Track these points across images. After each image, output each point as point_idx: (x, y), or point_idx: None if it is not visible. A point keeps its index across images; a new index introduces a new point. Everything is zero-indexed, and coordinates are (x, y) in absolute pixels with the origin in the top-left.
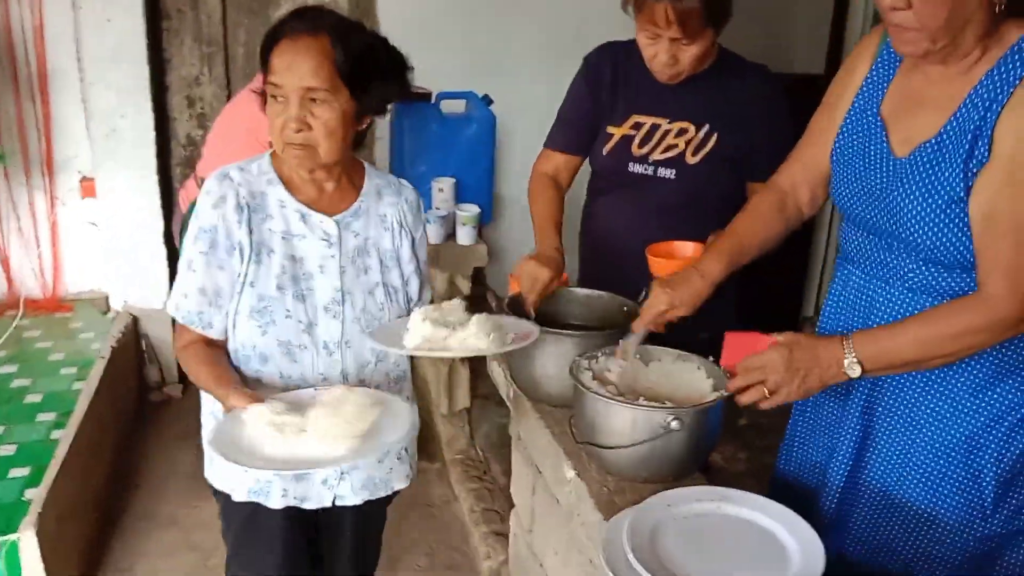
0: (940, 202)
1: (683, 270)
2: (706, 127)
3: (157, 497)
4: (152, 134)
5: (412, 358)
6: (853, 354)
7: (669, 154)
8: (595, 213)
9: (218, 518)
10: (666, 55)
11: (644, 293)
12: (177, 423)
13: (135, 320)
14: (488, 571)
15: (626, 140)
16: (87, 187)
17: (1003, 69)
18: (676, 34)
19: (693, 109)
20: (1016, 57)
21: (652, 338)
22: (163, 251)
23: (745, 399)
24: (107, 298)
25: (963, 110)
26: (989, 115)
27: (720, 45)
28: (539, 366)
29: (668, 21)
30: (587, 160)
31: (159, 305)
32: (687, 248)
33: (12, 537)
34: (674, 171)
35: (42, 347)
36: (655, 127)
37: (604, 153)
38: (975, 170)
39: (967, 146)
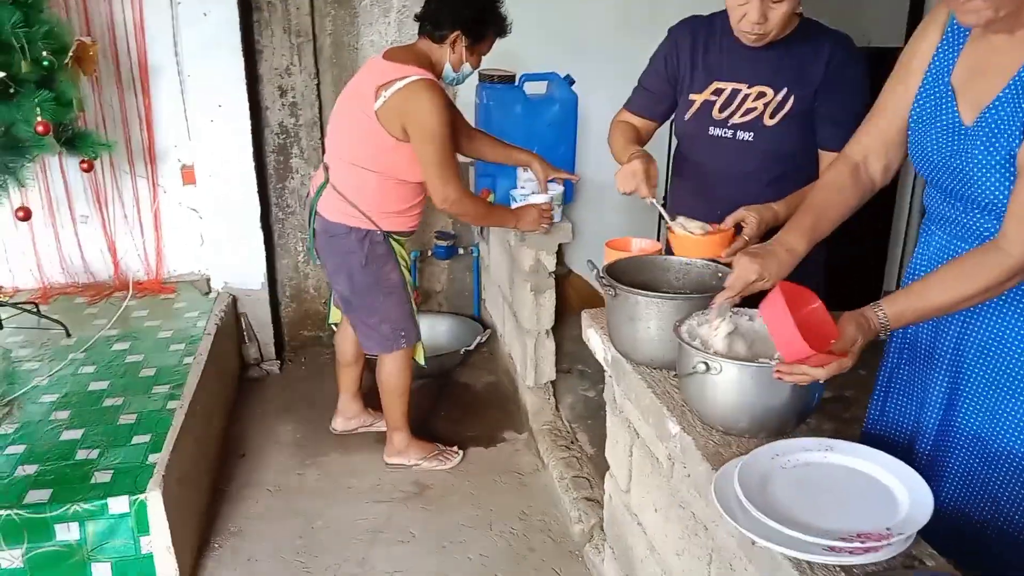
0: (1001, 160)
1: (768, 244)
2: (784, 90)
3: (262, 466)
4: (248, 123)
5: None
6: (884, 316)
7: (748, 117)
8: (679, 177)
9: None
10: (756, 13)
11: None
12: (276, 397)
13: (235, 300)
14: (579, 533)
15: (707, 105)
16: (187, 174)
17: None
18: None
19: (772, 74)
20: None
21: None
22: (260, 235)
23: (826, 375)
24: (208, 280)
25: (1022, 74)
26: None
27: (801, 13)
28: (641, 329)
29: None
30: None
31: (257, 286)
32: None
33: (141, 496)
34: (752, 133)
35: (150, 325)
36: (735, 92)
37: (686, 119)
38: None
39: None
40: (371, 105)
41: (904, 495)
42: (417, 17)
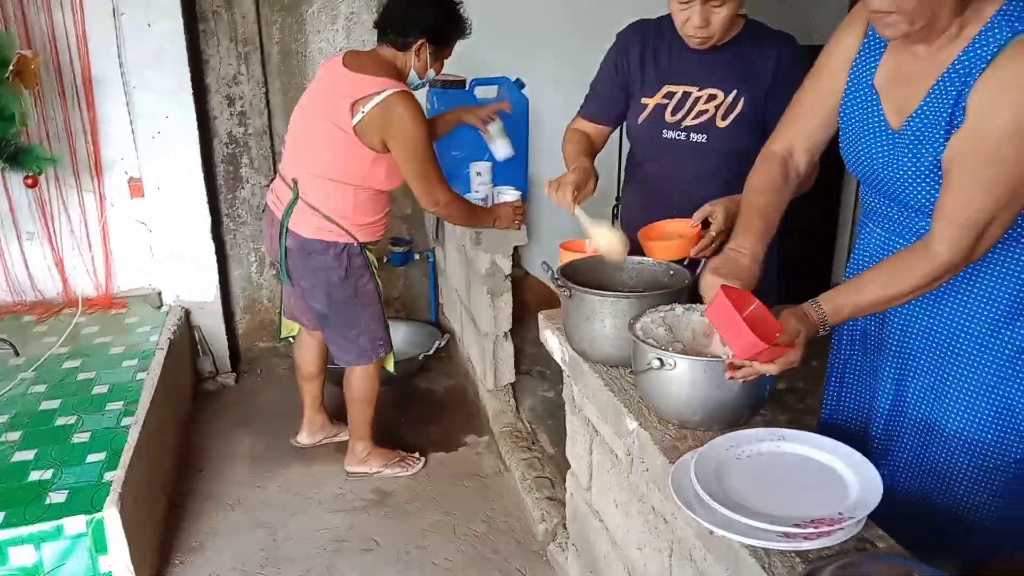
0: (927, 165)
1: (727, 253)
2: (734, 92)
3: (221, 479)
4: (196, 133)
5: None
6: (823, 312)
7: (700, 119)
8: (633, 180)
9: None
10: (699, 18)
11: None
12: (233, 410)
13: (187, 313)
14: (543, 533)
15: (659, 109)
16: (135, 187)
17: (978, 45)
18: None
19: (721, 76)
20: (989, 34)
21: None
22: (211, 246)
23: (777, 369)
24: (159, 293)
25: (943, 82)
26: (966, 86)
27: (746, 15)
28: (597, 328)
29: None
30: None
31: (210, 298)
32: (676, 226)
33: (98, 515)
34: (705, 136)
35: (101, 342)
36: (686, 95)
37: (639, 122)
38: (953, 133)
39: (948, 113)
40: (347, 121)
41: (853, 480)
42: (376, 24)
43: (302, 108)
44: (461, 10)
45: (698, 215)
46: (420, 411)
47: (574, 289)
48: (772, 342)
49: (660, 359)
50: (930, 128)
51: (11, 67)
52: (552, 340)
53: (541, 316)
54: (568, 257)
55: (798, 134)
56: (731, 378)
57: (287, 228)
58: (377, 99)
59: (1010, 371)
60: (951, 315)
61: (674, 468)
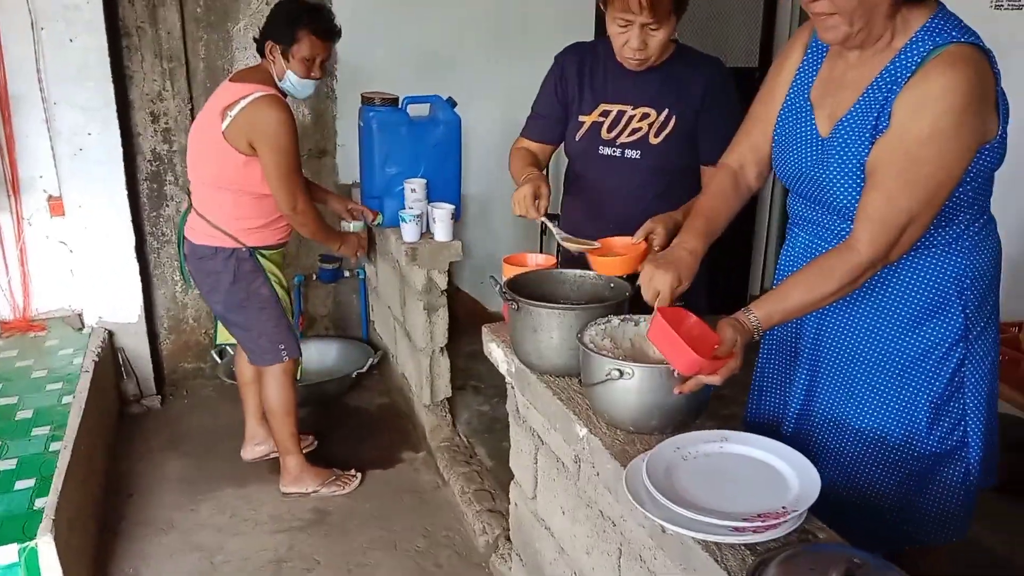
0: (854, 168)
1: (668, 250)
2: (666, 111)
3: (152, 503)
4: (119, 151)
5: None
6: (755, 318)
7: (634, 136)
8: (571, 195)
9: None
10: (637, 40)
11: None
12: (159, 433)
13: (110, 335)
14: (485, 545)
15: (596, 126)
16: (55, 206)
17: (905, 55)
18: (647, 19)
19: (654, 95)
20: (916, 46)
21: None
22: (135, 266)
23: (720, 380)
24: (80, 315)
25: (872, 88)
26: (892, 93)
27: (677, 40)
28: (544, 339)
29: (641, 7)
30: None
31: (134, 319)
32: (622, 242)
33: (31, 544)
34: (639, 152)
35: (23, 365)
36: (621, 113)
37: (576, 139)
38: (878, 137)
39: (874, 119)
40: (218, 127)
41: (793, 476)
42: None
43: (195, 121)
44: (313, 9)
45: (640, 232)
46: (354, 429)
47: (522, 302)
48: (711, 356)
49: (619, 370)
50: (856, 133)
51: None
52: (497, 352)
53: (485, 329)
54: (511, 271)
55: (747, 148)
56: (679, 392)
57: (183, 235)
58: (243, 103)
59: (913, 372)
60: (861, 320)
61: (627, 470)
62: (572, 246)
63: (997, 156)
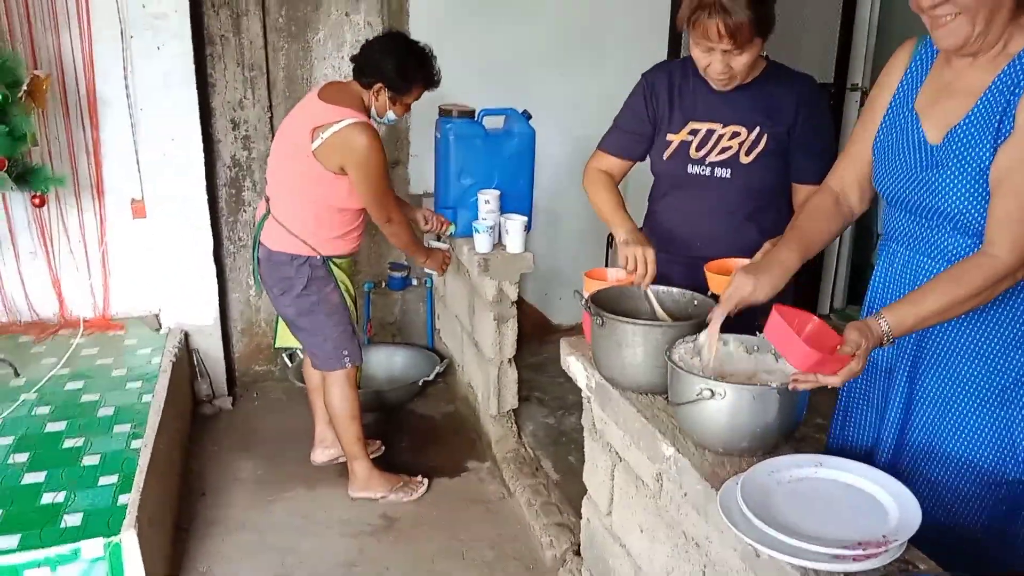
0: (973, 174)
1: (764, 259)
2: (757, 129)
3: (225, 503)
4: (201, 156)
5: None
6: (886, 323)
7: (724, 155)
8: (658, 212)
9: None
10: (720, 64)
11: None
12: (231, 434)
13: (186, 336)
14: (552, 559)
15: (684, 145)
16: (137, 209)
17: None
18: (728, 46)
19: (744, 114)
20: None
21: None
22: (213, 269)
23: (839, 381)
24: (158, 316)
25: (990, 94)
26: (1014, 97)
27: (768, 56)
28: (629, 355)
29: (720, 35)
30: (645, 165)
31: (209, 321)
32: (741, 263)
33: (115, 539)
34: (730, 170)
35: (103, 363)
36: (710, 132)
37: (664, 158)
38: (1000, 143)
39: (996, 124)
40: (308, 145)
41: (891, 504)
42: (351, 59)
43: (280, 131)
44: (426, 62)
45: (761, 253)
46: (420, 436)
47: (608, 318)
48: (826, 352)
49: (711, 389)
50: (976, 138)
51: (24, 87)
52: (576, 366)
53: (564, 343)
54: (593, 285)
55: (849, 170)
56: (794, 388)
57: (259, 240)
58: (335, 127)
59: (1012, 395)
60: (964, 338)
61: (721, 492)
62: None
63: None
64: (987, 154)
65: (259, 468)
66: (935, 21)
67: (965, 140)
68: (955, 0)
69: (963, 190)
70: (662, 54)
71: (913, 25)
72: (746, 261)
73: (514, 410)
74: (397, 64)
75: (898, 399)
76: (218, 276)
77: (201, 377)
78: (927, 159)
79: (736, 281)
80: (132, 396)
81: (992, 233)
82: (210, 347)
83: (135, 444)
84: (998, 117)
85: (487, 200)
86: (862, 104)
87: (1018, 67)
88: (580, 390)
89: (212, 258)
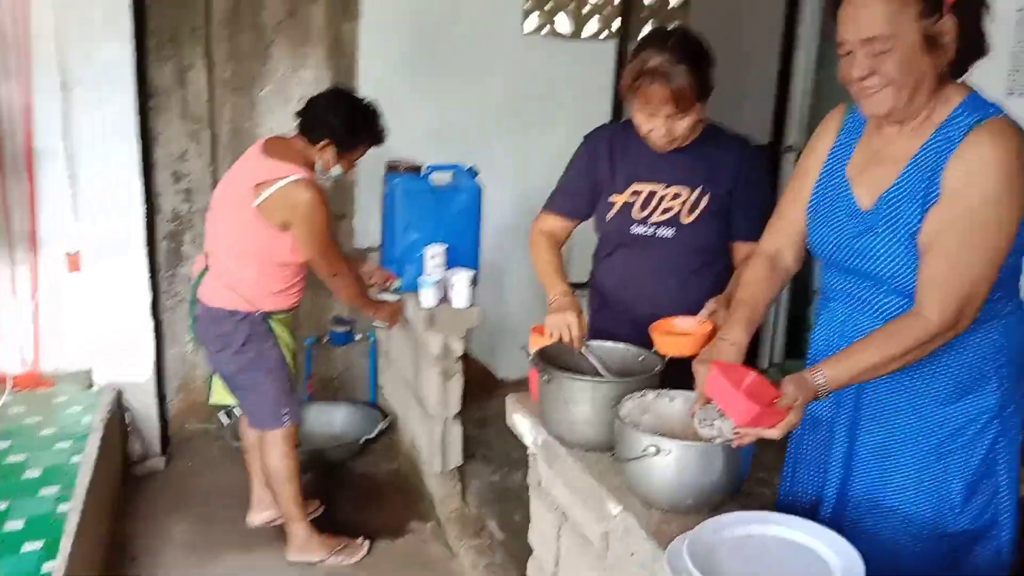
0: (904, 238)
1: (714, 343)
2: (698, 189)
3: (156, 568)
4: (141, 209)
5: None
6: (822, 376)
7: (667, 215)
8: (603, 272)
9: None
10: (663, 129)
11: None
12: (164, 495)
13: (119, 393)
14: None
15: (627, 206)
16: (72, 262)
17: (949, 128)
18: (671, 111)
19: (685, 174)
20: (958, 120)
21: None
22: (149, 324)
23: (779, 433)
24: (90, 373)
25: (917, 161)
26: (940, 164)
27: (706, 118)
28: (577, 412)
29: (663, 100)
30: (588, 225)
31: (144, 378)
32: (685, 322)
33: None
34: (673, 230)
35: (31, 422)
36: (653, 193)
37: (608, 219)
38: (928, 207)
39: (924, 189)
40: (250, 201)
41: (835, 560)
42: (296, 114)
43: (221, 185)
44: (372, 119)
45: (704, 311)
46: (361, 496)
47: (554, 374)
48: (765, 404)
49: (657, 446)
50: (905, 203)
51: None
52: (522, 423)
53: (510, 399)
54: (540, 341)
55: (783, 232)
56: (737, 445)
57: (196, 296)
58: (279, 184)
59: (948, 449)
60: (901, 395)
61: (668, 551)
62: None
63: None
64: (916, 218)
65: (193, 531)
66: (863, 91)
67: (895, 205)
68: (881, 72)
69: (896, 253)
70: (606, 115)
71: (844, 89)
72: (690, 319)
73: (459, 467)
74: (343, 120)
75: (839, 454)
76: (155, 331)
77: (134, 437)
78: (860, 224)
79: (699, 377)
80: (61, 456)
81: (921, 295)
82: (144, 405)
83: (63, 507)
84: (925, 183)
85: (433, 255)
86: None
87: (941, 136)
88: (526, 446)
89: (149, 313)
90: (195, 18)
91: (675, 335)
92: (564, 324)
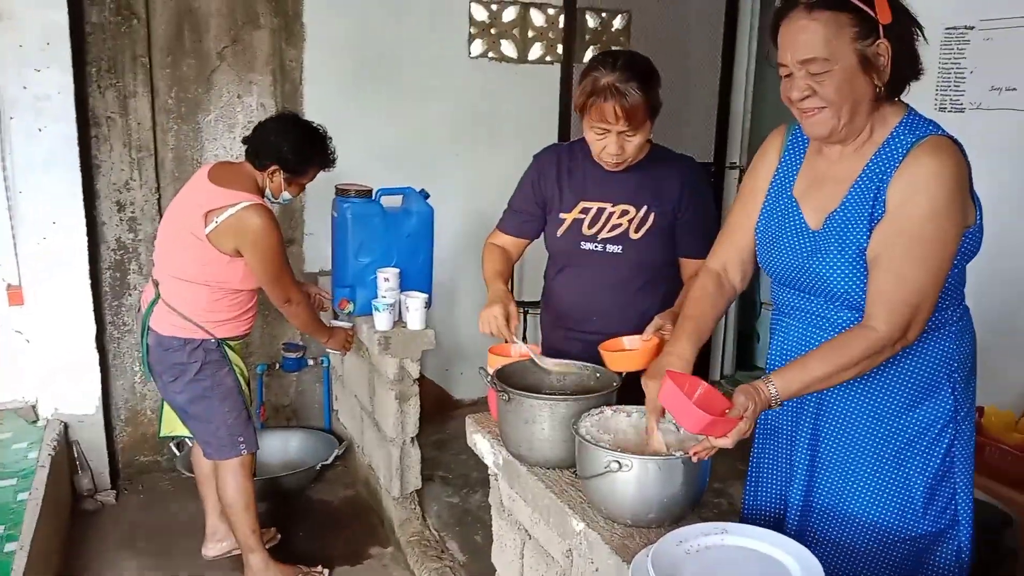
0: (853, 255)
1: (662, 358)
2: (645, 207)
3: None
4: (84, 240)
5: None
6: (774, 387)
7: (615, 232)
8: (554, 289)
9: None
10: (615, 146)
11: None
12: (115, 530)
13: (66, 428)
14: None
15: (577, 223)
16: (14, 295)
17: (889, 147)
18: (623, 127)
19: (633, 193)
20: (899, 139)
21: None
22: (95, 356)
23: (730, 443)
24: (35, 407)
25: (861, 180)
26: (883, 182)
27: (651, 140)
28: (537, 431)
29: (617, 116)
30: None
31: (91, 411)
32: (632, 341)
33: None
34: (621, 246)
35: None
36: (601, 210)
37: (558, 236)
38: (875, 225)
39: (870, 207)
40: (201, 229)
41: (796, 567)
42: (244, 140)
43: (168, 213)
44: (321, 143)
45: (650, 328)
46: (319, 523)
47: (514, 393)
48: (719, 414)
49: (618, 462)
50: (853, 222)
51: None
52: (483, 444)
53: (470, 420)
54: (497, 361)
55: (730, 250)
56: (695, 458)
57: (148, 326)
58: (230, 211)
59: (909, 454)
60: (860, 402)
61: (632, 566)
62: (558, 369)
63: (976, 242)
64: (864, 236)
65: (146, 566)
66: (803, 113)
67: (843, 224)
68: (820, 95)
69: (845, 271)
70: (553, 136)
71: (784, 108)
72: (636, 337)
73: (417, 491)
74: (292, 145)
75: (802, 463)
76: (100, 363)
77: (82, 471)
78: (810, 244)
79: (649, 392)
80: (6, 495)
81: (870, 308)
82: (92, 438)
83: (9, 547)
84: (871, 201)
85: (386, 278)
86: (740, 181)
87: (883, 155)
88: (485, 466)
89: (94, 344)
90: (137, 45)
91: (622, 351)
92: (491, 317)
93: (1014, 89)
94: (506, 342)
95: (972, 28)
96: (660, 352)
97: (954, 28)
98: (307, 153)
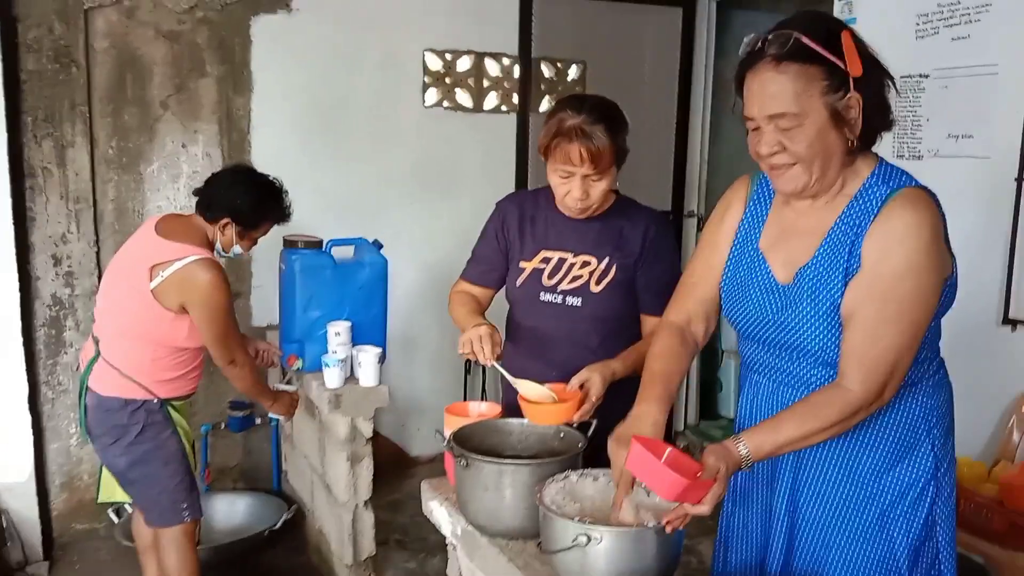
0: (827, 310)
1: (631, 422)
2: (607, 259)
3: None
4: (16, 296)
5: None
6: (745, 447)
7: (575, 284)
8: (514, 340)
9: None
10: (579, 191)
11: None
12: None
13: None
14: None
15: (537, 273)
16: None
17: (862, 199)
18: (589, 170)
19: (594, 244)
20: (872, 190)
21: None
22: (27, 419)
23: (708, 508)
24: None
25: (834, 233)
26: (858, 235)
27: (617, 191)
28: (499, 499)
29: (583, 158)
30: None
31: (23, 478)
32: (554, 388)
33: None
34: (581, 299)
35: None
36: (562, 260)
37: (518, 284)
38: (850, 279)
39: (844, 262)
40: (145, 283)
41: None
42: (195, 192)
43: (111, 267)
44: (276, 197)
45: (575, 381)
46: None
47: (472, 458)
48: (692, 478)
49: (587, 535)
50: (826, 276)
51: None
52: (440, 512)
53: (425, 486)
54: (455, 422)
55: (693, 303)
56: (670, 529)
57: (87, 386)
58: (177, 265)
59: (890, 516)
60: (839, 464)
61: None
62: (532, 392)
63: (952, 294)
64: (839, 290)
65: None
66: (773, 169)
67: (815, 279)
68: (790, 151)
69: (818, 327)
70: (510, 185)
71: (741, 155)
72: (560, 385)
73: (372, 557)
74: (247, 199)
75: (780, 530)
76: (34, 426)
77: (11, 542)
78: (779, 299)
79: (616, 459)
80: None
81: (844, 366)
82: (23, 506)
83: None
84: (846, 254)
85: (337, 332)
86: (699, 229)
87: (856, 207)
88: None
89: (27, 406)
90: (75, 94)
91: (545, 404)
92: (476, 336)
93: (971, 136)
94: (480, 364)
95: (927, 76)
96: (580, 406)
97: (909, 76)
98: (262, 207)
